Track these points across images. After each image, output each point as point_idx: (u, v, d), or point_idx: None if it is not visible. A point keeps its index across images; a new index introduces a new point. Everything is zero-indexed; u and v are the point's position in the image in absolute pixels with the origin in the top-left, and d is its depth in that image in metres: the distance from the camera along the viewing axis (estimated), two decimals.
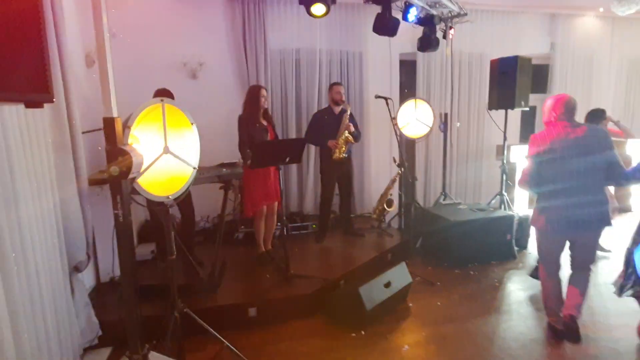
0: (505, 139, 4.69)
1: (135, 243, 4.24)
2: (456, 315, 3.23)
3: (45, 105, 2.23)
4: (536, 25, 5.83)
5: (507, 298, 3.55)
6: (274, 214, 3.85)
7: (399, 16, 4.07)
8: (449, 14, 4.67)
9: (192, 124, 2.19)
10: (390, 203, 4.69)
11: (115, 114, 1.61)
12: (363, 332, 2.98)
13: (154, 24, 4.48)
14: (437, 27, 4.76)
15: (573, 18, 5.82)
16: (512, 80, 4.33)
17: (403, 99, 5.05)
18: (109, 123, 1.56)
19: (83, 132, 2.82)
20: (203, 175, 3.31)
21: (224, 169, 3.42)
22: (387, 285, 3.21)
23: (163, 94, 3.60)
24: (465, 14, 4.64)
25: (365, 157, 5.41)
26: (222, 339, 2.50)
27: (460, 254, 4.17)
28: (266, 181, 3.60)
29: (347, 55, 5.15)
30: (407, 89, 5.60)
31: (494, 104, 4.56)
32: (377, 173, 5.44)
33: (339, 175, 4.38)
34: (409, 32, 4.79)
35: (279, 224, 4.60)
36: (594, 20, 5.90)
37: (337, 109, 4.27)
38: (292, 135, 5.06)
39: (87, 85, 3.58)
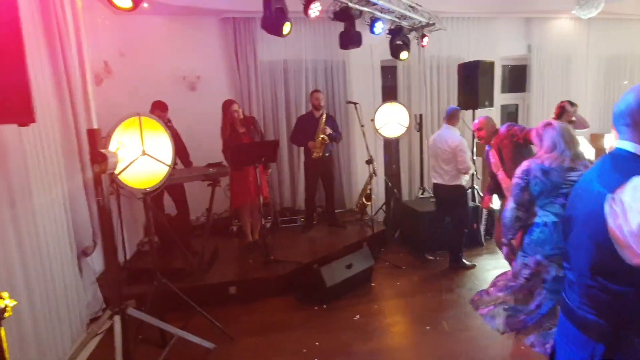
0: (474, 137, 5.06)
1: (142, 236, 4.88)
2: (410, 292, 3.67)
3: (55, 114, 2.80)
4: (513, 28, 6.15)
5: (460, 279, 3.94)
6: (255, 209, 4.36)
7: (367, 29, 4.53)
8: (420, 24, 5.09)
9: (166, 131, 2.74)
10: (368, 197, 5.14)
11: (95, 126, 2.16)
12: (324, 306, 3.46)
13: (157, 43, 5.10)
14: (411, 35, 5.21)
15: (547, 21, 6.11)
16: (474, 83, 4.72)
17: (387, 101, 5.50)
18: (91, 133, 2.12)
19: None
20: (193, 174, 3.90)
21: (211, 169, 3.98)
22: (349, 266, 3.68)
23: (158, 105, 4.22)
24: (434, 24, 5.05)
25: (352, 156, 5.87)
26: (195, 305, 3.02)
27: (430, 241, 4.57)
28: (246, 180, 4.13)
29: (330, 64, 5.64)
30: (389, 93, 6.03)
31: (461, 105, 4.95)
32: (362, 171, 5.88)
33: (321, 172, 4.87)
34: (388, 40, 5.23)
35: (269, 217, 5.15)
36: (570, 22, 6.17)
37: (318, 114, 4.77)
38: (284, 137, 5.57)
39: (96, 99, 4.22)
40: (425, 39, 5.32)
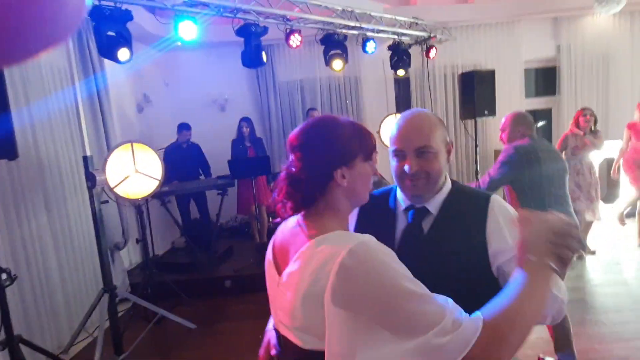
0: (476, 145, 5.06)
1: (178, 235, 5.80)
2: None
3: (90, 133, 3.69)
4: (538, 30, 5.92)
5: None
6: (260, 214, 4.96)
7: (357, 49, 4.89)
8: (422, 38, 5.27)
9: (155, 152, 3.48)
10: None
11: (88, 154, 2.94)
12: None
13: (191, 73, 6.04)
14: (417, 47, 5.41)
15: (578, 19, 5.75)
16: (471, 92, 4.76)
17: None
18: (85, 159, 2.90)
19: None
20: (203, 184, 4.67)
21: (219, 180, 4.71)
22: None
23: (184, 126, 5.05)
24: (434, 37, 5.19)
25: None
26: (182, 294, 3.72)
27: None
28: (247, 190, 4.75)
29: (343, 80, 6.05)
30: (405, 105, 6.22)
31: (461, 115, 5.01)
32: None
33: None
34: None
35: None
36: (608, 18, 5.73)
37: None
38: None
39: (138, 124, 5.24)
40: (433, 51, 5.46)
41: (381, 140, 5.54)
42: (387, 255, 0.85)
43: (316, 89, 6.02)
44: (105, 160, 3.18)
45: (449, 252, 1.12)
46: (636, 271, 4.19)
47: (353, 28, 4.50)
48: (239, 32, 3.77)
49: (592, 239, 4.59)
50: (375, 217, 1.25)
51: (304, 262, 0.90)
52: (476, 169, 5.13)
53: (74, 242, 3.63)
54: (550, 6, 5.67)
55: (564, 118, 5.93)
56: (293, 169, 0.98)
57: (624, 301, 3.52)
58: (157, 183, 3.51)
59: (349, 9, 4.40)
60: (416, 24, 5.11)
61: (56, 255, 3.41)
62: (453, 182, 1.25)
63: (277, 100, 6.02)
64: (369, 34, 4.76)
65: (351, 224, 1.27)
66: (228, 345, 3.33)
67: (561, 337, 2.50)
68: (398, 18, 4.99)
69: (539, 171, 2.46)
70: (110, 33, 3.11)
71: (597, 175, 4.25)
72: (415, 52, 5.51)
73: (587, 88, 5.83)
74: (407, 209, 1.22)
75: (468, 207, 1.18)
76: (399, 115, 5.44)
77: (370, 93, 6.07)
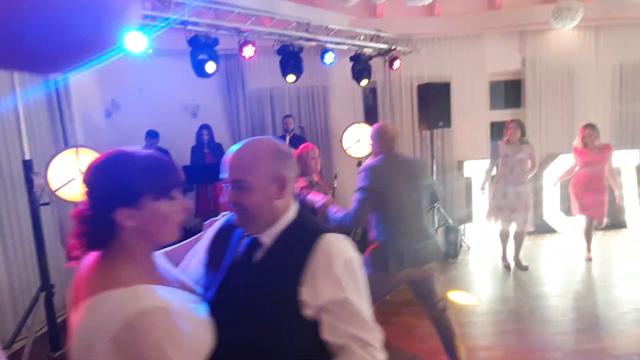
0: (433, 156, 5.15)
1: None
2: None
3: (42, 137, 3.77)
4: (504, 43, 6.00)
5: None
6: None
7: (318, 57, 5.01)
8: (385, 50, 5.37)
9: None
10: None
11: (28, 157, 3.07)
12: None
13: (165, 79, 6.19)
14: (380, 58, 5.52)
15: (544, 33, 5.83)
16: (426, 105, 4.86)
17: (369, 123, 5.85)
18: (25, 163, 3.05)
19: None
20: None
21: None
22: None
23: (151, 133, 5.19)
24: (395, 49, 5.30)
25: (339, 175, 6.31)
26: None
27: None
28: (205, 193, 4.89)
29: (311, 89, 6.18)
30: (373, 114, 6.32)
31: (419, 126, 5.11)
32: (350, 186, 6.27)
33: None
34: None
35: None
36: (573, 31, 5.80)
37: (289, 135, 5.41)
38: None
39: (106, 129, 5.39)
40: (396, 63, 5.57)
41: (343, 149, 5.66)
42: (166, 336, 0.82)
43: (284, 98, 6.15)
44: (47, 165, 3.32)
45: (266, 286, 1.06)
46: (571, 284, 4.23)
47: (309, 40, 4.62)
48: (190, 42, 3.91)
49: (527, 253, 4.64)
50: (225, 240, 1.21)
51: (82, 321, 0.85)
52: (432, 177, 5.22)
53: (23, 240, 3.76)
54: (514, 20, 5.77)
55: (529, 130, 5.99)
56: (83, 206, 0.93)
57: (555, 313, 3.58)
58: None
59: (305, 21, 4.53)
60: (378, 36, 5.22)
61: (3, 252, 3.55)
62: (300, 214, 1.18)
63: (247, 108, 6.15)
64: (329, 45, 4.88)
65: (207, 239, 1.25)
66: None
67: (448, 345, 2.56)
68: (359, 30, 5.11)
69: (393, 191, 2.31)
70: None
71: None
72: (381, 63, 5.62)
73: (552, 101, 5.89)
74: (246, 236, 1.18)
75: (297, 244, 1.10)
76: (362, 125, 5.56)
77: (339, 102, 6.18)
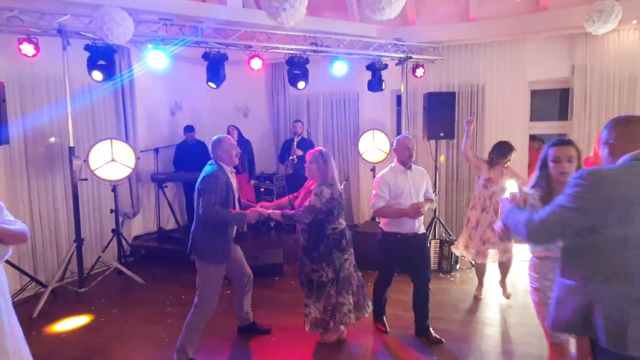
0: (436, 168, 5.04)
1: None
2: None
3: (108, 128, 5.10)
4: (549, 48, 5.42)
5: None
6: None
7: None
8: (403, 58, 5.44)
9: (131, 147, 4.69)
10: None
11: (72, 144, 4.25)
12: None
13: (224, 84, 7.25)
14: (403, 65, 5.60)
15: (597, 36, 5.08)
16: (428, 114, 4.82)
17: (398, 129, 6.02)
18: (70, 150, 4.23)
19: (141, 151, 5.78)
20: (189, 177, 5.80)
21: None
22: (255, 257, 4.77)
23: (188, 128, 6.23)
24: (410, 57, 5.32)
25: (361, 179, 6.59)
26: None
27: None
28: None
29: (343, 95, 6.52)
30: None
31: (423, 135, 5.07)
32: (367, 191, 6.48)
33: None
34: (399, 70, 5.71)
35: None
36: (635, 33, 4.96)
37: (297, 138, 5.93)
38: None
39: (168, 125, 6.65)
40: (419, 70, 5.57)
41: (360, 153, 5.90)
42: None
43: (319, 103, 6.65)
44: (90, 150, 4.51)
45: None
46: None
47: (317, 52, 5.04)
48: (204, 57, 4.73)
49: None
50: None
51: None
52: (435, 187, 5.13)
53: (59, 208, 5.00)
54: (562, 23, 5.18)
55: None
56: None
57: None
58: (129, 170, 4.73)
59: (312, 35, 4.96)
60: (396, 45, 5.34)
61: (65, 212, 4.89)
62: None
63: (288, 112, 6.87)
64: (340, 55, 5.21)
65: None
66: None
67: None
68: (373, 40, 5.31)
69: None
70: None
71: None
72: (408, 70, 5.66)
73: (605, 112, 5.13)
74: None
75: None
76: (377, 132, 5.72)
77: (372, 107, 6.40)
